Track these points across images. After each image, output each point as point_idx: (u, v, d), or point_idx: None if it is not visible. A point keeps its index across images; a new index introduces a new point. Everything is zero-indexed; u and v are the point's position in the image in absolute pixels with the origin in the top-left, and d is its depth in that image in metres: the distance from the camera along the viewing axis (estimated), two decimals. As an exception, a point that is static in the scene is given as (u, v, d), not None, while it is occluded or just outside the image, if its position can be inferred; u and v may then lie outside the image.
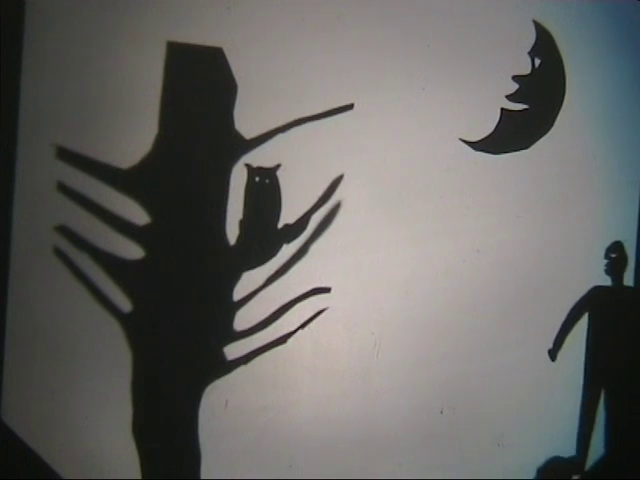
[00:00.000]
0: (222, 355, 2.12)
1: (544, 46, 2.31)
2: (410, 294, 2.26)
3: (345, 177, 2.18)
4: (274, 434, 2.17)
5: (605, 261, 2.38)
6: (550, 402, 2.40)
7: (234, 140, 2.10)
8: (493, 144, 2.29)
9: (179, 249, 2.09)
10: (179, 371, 2.10)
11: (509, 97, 2.29)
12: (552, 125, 2.35)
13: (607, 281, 2.43)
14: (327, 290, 2.18)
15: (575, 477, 2.38)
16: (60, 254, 2.03)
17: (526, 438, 2.38)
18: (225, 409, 2.13)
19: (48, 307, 2.03)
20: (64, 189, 2.02)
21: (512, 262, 2.34)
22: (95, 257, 2.04)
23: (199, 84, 2.08)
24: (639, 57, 2.43)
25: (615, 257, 2.39)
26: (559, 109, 2.35)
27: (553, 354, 2.34)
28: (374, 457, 2.26)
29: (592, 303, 2.38)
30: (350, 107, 2.17)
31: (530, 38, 2.30)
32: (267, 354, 2.15)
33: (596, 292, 2.38)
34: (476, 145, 2.28)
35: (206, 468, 2.14)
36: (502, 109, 2.29)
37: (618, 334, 2.40)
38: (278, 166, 2.13)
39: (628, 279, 2.46)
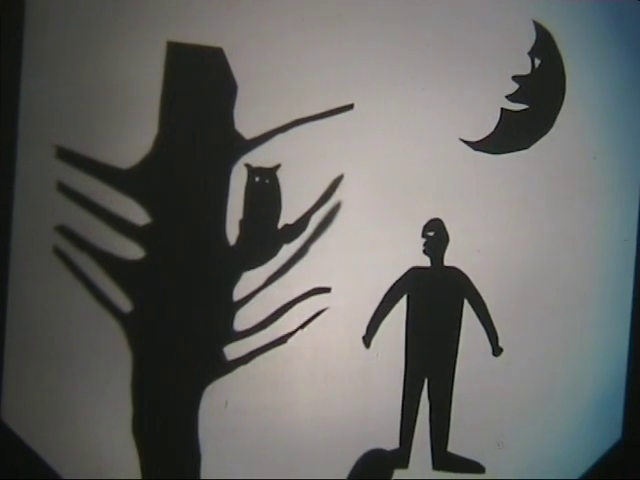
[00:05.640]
0: (222, 355, 2.12)
1: (544, 46, 2.31)
2: (410, 294, 2.26)
3: (345, 177, 2.18)
4: (274, 434, 2.17)
5: (423, 240, 2.24)
6: (550, 401, 2.40)
7: (234, 140, 2.10)
8: (493, 144, 2.29)
9: (179, 249, 2.09)
10: (179, 371, 2.10)
11: (509, 97, 2.29)
12: (552, 125, 2.35)
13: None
14: (327, 290, 2.18)
15: (397, 470, 2.27)
16: (60, 254, 2.03)
17: (526, 438, 2.38)
18: (225, 409, 2.13)
19: (48, 307, 2.03)
20: (64, 189, 2.02)
21: (512, 262, 2.34)
22: (95, 257, 2.04)
23: (199, 84, 2.08)
24: (639, 57, 2.43)
25: (433, 235, 2.25)
26: (559, 109, 2.35)
27: (367, 341, 2.22)
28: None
29: (410, 285, 2.25)
30: (350, 107, 2.17)
31: (530, 38, 2.30)
32: (267, 354, 2.15)
33: (414, 273, 2.25)
34: (476, 145, 2.28)
35: (206, 468, 2.14)
36: (502, 109, 2.29)
37: (437, 317, 2.29)
38: (278, 166, 2.13)
39: (631, 277, 2.46)
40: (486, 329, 2.31)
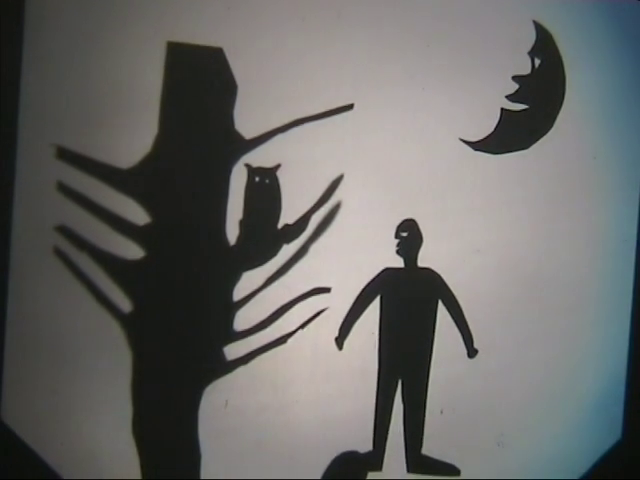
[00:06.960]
0: (222, 355, 2.12)
1: (544, 46, 2.31)
2: (410, 294, 2.26)
3: (345, 177, 2.18)
4: (274, 434, 2.17)
5: (396, 241, 2.22)
6: (550, 401, 2.40)
7: (234, 140, 2.10)
8: (493, 144, 2.29)
9: (179, 249, 2.09)
10: (179, 371, 2.10)
11: (509, 97, 2.29)
12: (552, 125, 2.35)
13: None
14: (327, 290, 2.18)
15: (372, 473, 2.24)
16: (60, 254, 2.03)
17: (526, 438, 2.38)
18: (225, 409, 2.13)
19: (48, 307, 2.03)
20: (64, 189, 2.02)
21: (512, 262, 2.33)
22: (95, 257, 2.04)
23: (199, 84, 2.08)
24: (639, 57, 2.43)
25: (406, 236, 2.22)
26: (559, 109, 2.35)
27: (340, 342, 2.19)
28: (374, 457, 2.26)
29: (383, 286, 2.22)
30: (350, 107, 2.17)
31: (530, 38, 2.30)
32: (267, 354, 2.15)
33: (387, 274, 2.23)
34: (476, 145, 2.28)
35: (206, 468, 2.14)
36: (502, 109, 2.29)
37: (411, 318, 2.26)
38: (278, 166, 2.13)
39: (622, 277, 2.46)
40: (461, 331, 2.29)
